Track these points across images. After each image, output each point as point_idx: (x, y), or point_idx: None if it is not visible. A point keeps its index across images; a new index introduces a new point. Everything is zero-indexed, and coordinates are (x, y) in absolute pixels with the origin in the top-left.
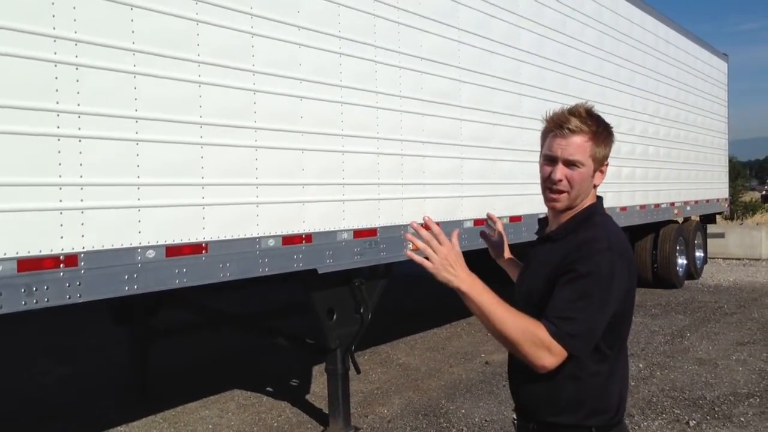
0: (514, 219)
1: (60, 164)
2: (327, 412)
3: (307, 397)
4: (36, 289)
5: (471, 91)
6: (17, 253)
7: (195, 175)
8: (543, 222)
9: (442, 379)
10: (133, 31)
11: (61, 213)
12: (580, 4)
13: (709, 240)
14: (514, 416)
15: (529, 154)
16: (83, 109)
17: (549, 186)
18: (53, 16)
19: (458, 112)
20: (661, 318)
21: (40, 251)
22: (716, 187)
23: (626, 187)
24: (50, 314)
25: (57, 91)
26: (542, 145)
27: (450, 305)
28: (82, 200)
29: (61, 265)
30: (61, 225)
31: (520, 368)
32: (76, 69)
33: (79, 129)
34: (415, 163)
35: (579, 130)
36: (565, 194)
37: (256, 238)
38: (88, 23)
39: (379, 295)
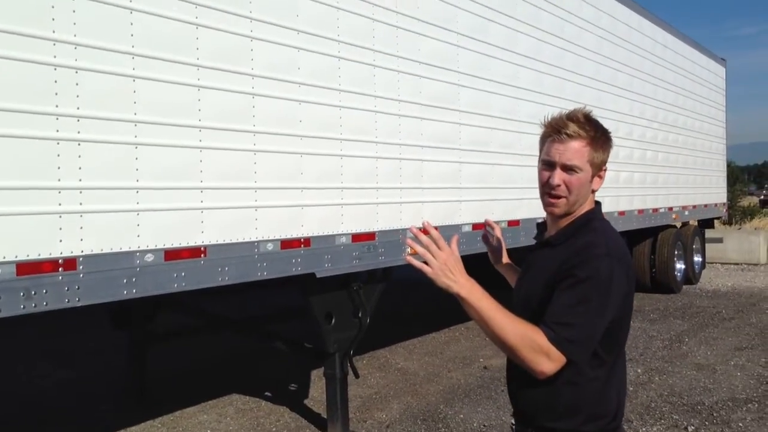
0: (512, 223)
1: (59, 168)
2: (325, 416)
3: (306, 401)
4: (35, 293)
5: (469, 95)
6: (16, 256)
7: (194, 178)
8: (542, 227)
9: (440, 383)
10: (132, 35)
11: (60, 216)
12: (578, 8)
13: (707, 245)
14: (513, 421)
15: (527, 159)
16: (82, 113)
17: (547, 191)
18: (53, 19)
19: (457, 116)
20: (659, 323)
21: (39, 255)
22: (714, 192)
23: (624, 191)
24: (49, 317)
25: (56, 94)
26: (540, 150)
27: (448, 309)
28: (81, 204)
29: (60, 269)
30: (60, 228)
31: (518, 373)
32: (76, 72)
33: (79, 132)
34: (414, 167)
35: (577, 135)
36: (563, 199)
37: (254, 242)
38: (88, 27)
39: (377, 299)
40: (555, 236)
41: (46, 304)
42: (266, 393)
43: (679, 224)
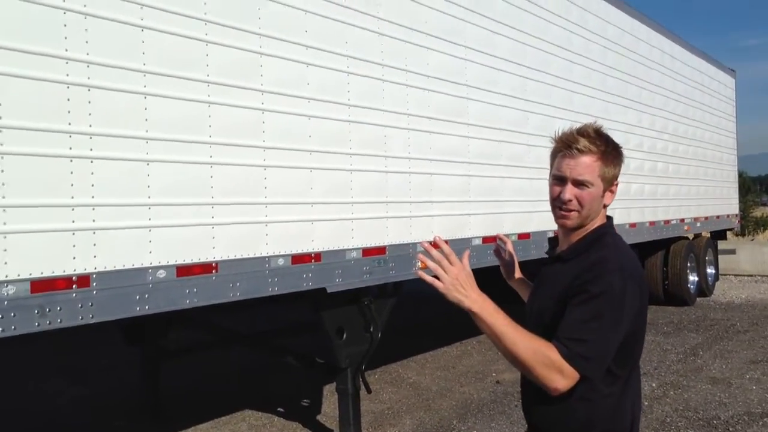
0: (522, 236)
1: (72, 185)
2: None
3: (318, 417)
4: (49, 310)
5: (478, 108)
6: (30, 274)
7: (205, 194)
8: (553, 241)
9: (453, 398)
10: (143, 53)
11: (73, 234)
12: (584, 20)
13: (720, 256)
14: None
15: (536, 171)
16: (95, 130)
17: (559, 205)
18: (65, 38)
19: (465, 129)
20: (673, 336)
21: (53, 272)
22: (726, 203)
23: (635, 203)
24: (63, 334)
25: (69, 112)
26: (551, 165)
27: (460, 323)
28: (94, 221)
29: (74, 286)
30: (74, 246)
31: (532, 389)
32: (88, 90)
33: (91, 150)
34: (423, 180)
35: (588, 150)
36: (575, 212)
37: (265, 257)
38: (100, 45)
39: (388, 313)
40: (567, 251)
41: (60, 321)
42: (279, 409)
43: (691, 236)
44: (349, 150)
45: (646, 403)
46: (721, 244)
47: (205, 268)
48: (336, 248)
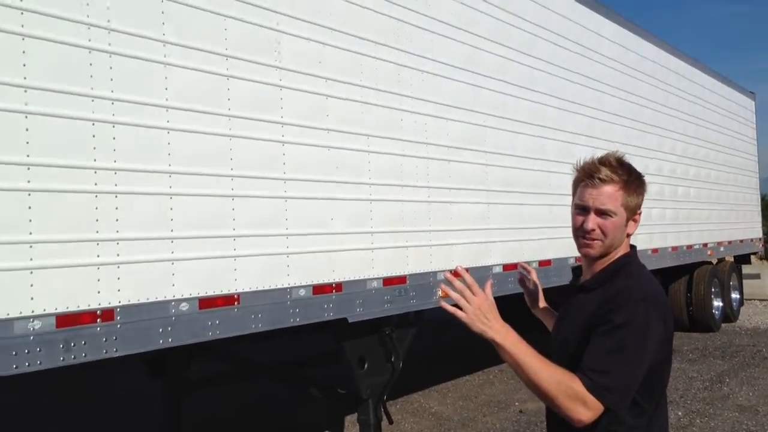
0: (543, 263)
1: (97, 220)
2: None
3: None
4: (74, 345)
5: (495, 135)
6: (56, 309)
7: (227, 227)
8: (577, 271)
9: (475, 428)
10: (166, 88)
11: (98, 268)
12: (597, 44)
13: (744, 281)
14: None
15: (556, 198)
16: (119, 166)
17: (582, 235)
18: (91, 76)
19: (483, 157)
20: (698, 363)
21: (78, 306)
22: (749, 227)
23: (657, 228)
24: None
25: (95, 149)
26: (573, 194)
27: (481, 351)
28: (118, 255)
29: (98, 320)
30: (98, 280)
31: (557, 419)
32: (113, 126)
33: (116, 185)
34: (442, 209)
35: (610, 180)
36: (598, 241)
37: (287, 288)
38: (124, 81)
39: (409, 342)
40: (590, 281)
41: (85, 356)
42: None
43: (714, 260)
44: (368, 180)
45: None
46: (746, 269)
47: (228, 300)
48: (357, 278)
